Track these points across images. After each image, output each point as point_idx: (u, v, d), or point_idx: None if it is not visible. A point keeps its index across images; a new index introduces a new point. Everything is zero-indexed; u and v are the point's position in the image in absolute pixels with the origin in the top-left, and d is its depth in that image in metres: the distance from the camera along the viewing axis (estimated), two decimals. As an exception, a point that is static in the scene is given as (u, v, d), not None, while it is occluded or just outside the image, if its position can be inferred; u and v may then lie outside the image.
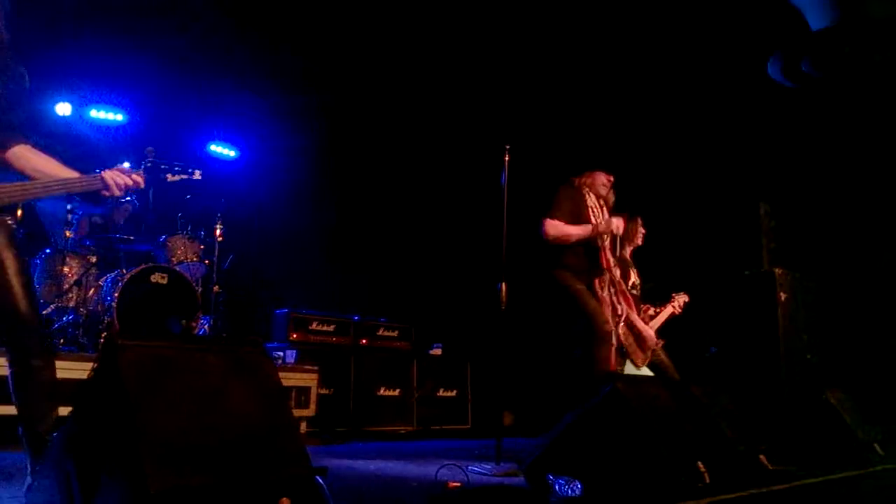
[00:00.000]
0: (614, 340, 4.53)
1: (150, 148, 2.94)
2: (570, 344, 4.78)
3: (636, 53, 7.15)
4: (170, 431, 2.09)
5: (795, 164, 7.25)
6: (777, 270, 6.45)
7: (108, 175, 2.75)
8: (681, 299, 5.36)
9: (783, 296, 6.34)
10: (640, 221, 5.39)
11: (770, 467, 3.96)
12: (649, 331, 4.90)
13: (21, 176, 2.71)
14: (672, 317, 5.31)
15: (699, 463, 3.36)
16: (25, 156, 2.75)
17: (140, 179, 2.82)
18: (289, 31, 6.89)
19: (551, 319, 6.40)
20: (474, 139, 7.16)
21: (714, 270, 6.69)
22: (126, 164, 2.91)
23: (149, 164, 2.87)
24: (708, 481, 3.31)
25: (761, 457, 3.97)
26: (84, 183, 2.76)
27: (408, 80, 7.62)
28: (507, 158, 4.78)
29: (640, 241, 5.36)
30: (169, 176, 2.92)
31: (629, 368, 4.87)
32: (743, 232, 6.73)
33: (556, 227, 4.59)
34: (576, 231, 4.60)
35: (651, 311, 5.24)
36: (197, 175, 2.99)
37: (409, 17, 6.91)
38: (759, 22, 6.45)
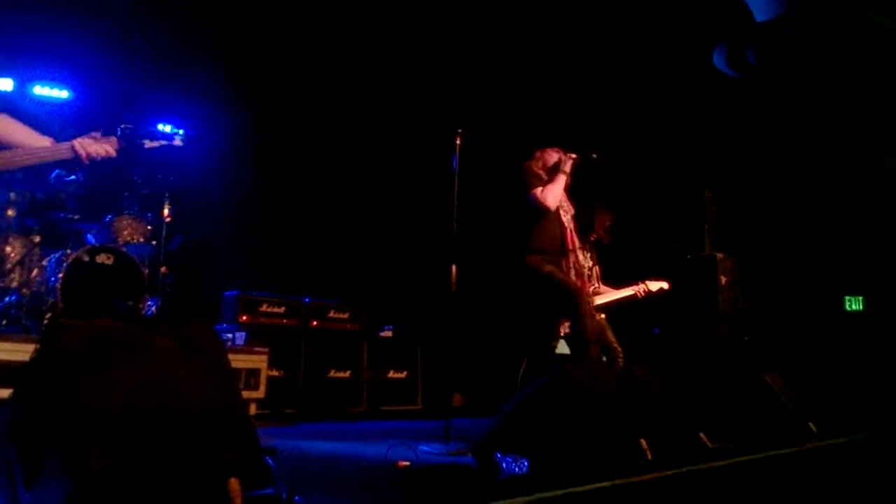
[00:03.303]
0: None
1: (127, 124, 2.83)
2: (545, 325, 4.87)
3: (584, 40, 7.21)
4: (114, 411, 2.07)
5: (736, 151, 7.42)
6: (718, 255, 6.63)
7: (79, 143, 2.67)
8: (649, 286, 5.49)
9: (723, 279, 6.52)
10: (610, 214, 5.53)
11: (709, 445, 4.07)
12: None
13: None
14: (631, 299, 5.47)
15: (642, 440, 3.45)
16: (2, 124, 2.68)
17: (111, 148, 2.72)
18: (234, 7, 6.79)
19: (508, 302, 6.48)
20: (427, 122, 7.16)
21: (658, 253, 6.83)
22: (97, 133, 2.79)
23: (127, 129, 2.76)
24: (650, 458, 3.41)
25: (701, 434, 4.09)
26: (51, 153, 2.68)
27: (360, 60, 7.58)
28: (458, 142, 4.81)
29: (603, 234, 5.49)
30: (147, 142, 2.81)
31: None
32: (686, 216, 6.89)
33: (545, 192, 4.63)
34: (559, 182, 4.67)
35: (592, 289, 5.40)
36: (178, 140, 2.87)
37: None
38: (704, 11, 6.56)
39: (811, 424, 4.86)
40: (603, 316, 5.32)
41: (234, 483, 2.15)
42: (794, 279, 7.33)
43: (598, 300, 5.37)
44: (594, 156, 4.79)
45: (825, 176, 7.32)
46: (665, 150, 7.52)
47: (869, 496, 3.34)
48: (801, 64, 6.54)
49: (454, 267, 4.69)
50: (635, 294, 5.50)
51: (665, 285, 5.58)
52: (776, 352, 6.63)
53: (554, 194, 4.65)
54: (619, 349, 5.24)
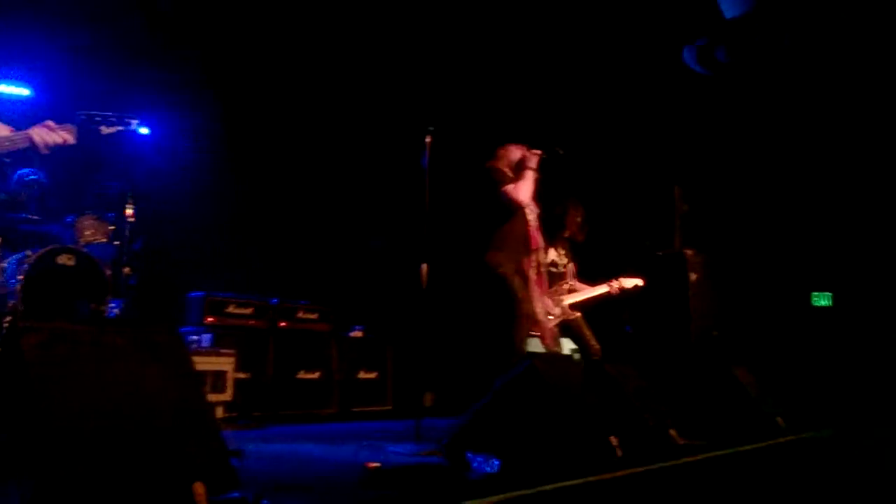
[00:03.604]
0: (541, 323, 4.69)
1: (83, 111, 2.80)
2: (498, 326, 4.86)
3: (555, 38, 7.23)
4: (76, 415, 2.04)
5: (706, 149, 7.49)
6: (688, 251, 6.69)
7: (36, 132, 2.63)
8: (623, 283, 5.54)
9: (693, 276, 6.57)
10: (581, 211, 5.55)
11: (680, 441, 4.10)
12: (551, 306, 5.17)
13: None
14: (606, 297, 5.50)
15: (612, 438, 3.46)
16: None
17: (69, 136, 2.69)
18: (198, 5, 6.70)
19: (473, 301, 6.48)
20: (397, 121, 7.13)
21: (629, 251, 6.87)
22: (51, 122, 2.76)
23: (83, 116, 2.74)
24: (620, 455, 3.41)
25: (671, 431, 4.11)
26: (10, 142, 2.63)
27: (329, 59, 7.52)
28: (429, 140, 4.79)
29: (576, 230, 5.52)
30: (104, 128, 2.79)
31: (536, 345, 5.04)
32: (657, 214, 6.95)
33: (517, 188, 4.60)
34: (529, 178, 4.64)
35: (567, 286, 5.42)
36: (135, 126, 2.85)
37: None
38: (674, 8, 6.62)
39: (779, 419, 4.92)
40: (579, 314, 5.33)
41: (199, 487, 2.12)
42: (763, 275, 7.42)
43: (573, 298, 5.38)
44: (560, 150, 4.76)
45: (794, 173, 7.42)
46: (636, 148, 7.57)
47: (836, 490, 3.38)
48: (771, 60, 6.62)
49: (425, 266, 4.67)
50: (610, 291, 5.52)
51: (640, 282, 5.61)
52: (745, 347, 6.70)
53: (525, 191, 4.62)
54: (597, 346, 5.25)
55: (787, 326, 7.15)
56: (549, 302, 5.21)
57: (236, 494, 2.25)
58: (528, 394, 3.37)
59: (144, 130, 7.10)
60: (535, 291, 4.69)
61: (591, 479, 2.95)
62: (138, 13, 6.56)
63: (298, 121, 7.80)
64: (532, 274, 4.70)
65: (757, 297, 7.29)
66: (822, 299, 7.16)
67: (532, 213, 4.77)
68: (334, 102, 7.80)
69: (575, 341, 5.39)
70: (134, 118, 2.81)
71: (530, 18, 7.06)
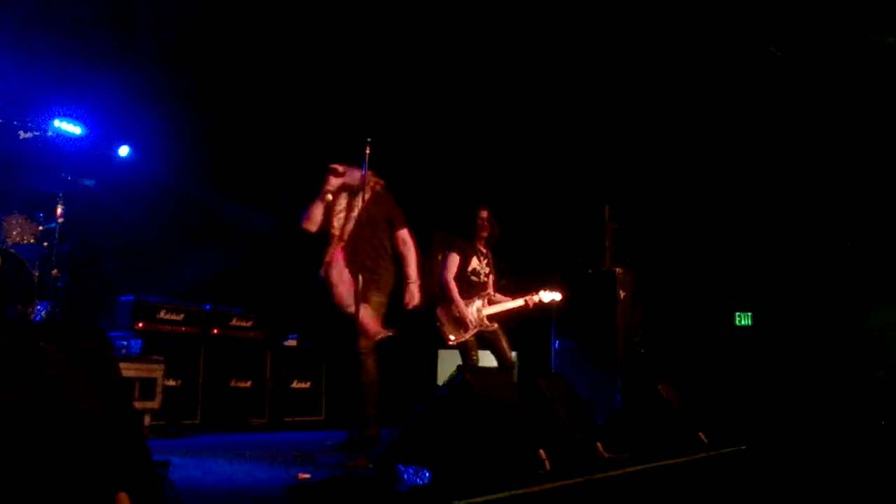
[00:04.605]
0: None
1: None
2: None
3: (489, 58, 7.32)
4: (-5, 423, 1.98)
5: (636, 170, 7.70)
6: (617, 269, 6.85)
7: None
8: (541, 297, 5.59)
9: (622, 293, 6.74)
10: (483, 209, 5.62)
11: (606, 455, 4.20)
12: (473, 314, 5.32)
13: None
14: (522, 309, 5.56)
15: (540, 451, 3.52)
16: None
17: None
18: (140, 12, 6.60)
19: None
20: (336, 130, 7.11)
21: (561, 268, 6.99)
22: None
23: None
24: (548, 468, 3.47)
25: (598, 444, 4.20)
26: None
27: (269, 66, 7.46)
28: (367, 151, 4.81)
29: (488, 228, 5.58)
30: (21, 133, 2.74)
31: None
32: (588, 232, 7.10)
33: (306, 216, 4.84)
34: (317, 203, 4.85)
35: (488, 297, 5.48)
36: (52, 132, 2.80)
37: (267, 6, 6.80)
38: (608, 30, 6.78)
39: (701, 434, 5.07)
40: (496, 325, 5.39)
41: (122, 498, 2.08)
42: (688, 295, 7.64)
43: (491, 309, 5.44)
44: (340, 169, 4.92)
45: (718, 198, 7.67)
46: (568, 168, 7.71)
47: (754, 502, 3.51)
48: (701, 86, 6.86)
49: (360, 276, 4.67)
50: (526, 304, 5.53)
51: (558, 296, 5.59)
52: (670, 364, 6.89)
53: (308, 215, 4.87)
54: (511, 361, 5.34)
55: (711, 344, 7.38)
56: (466, 311, 5.31)
57: (162, 505, 2.22)
58: (459, 407, 3.40)
59: (77, 130, 6.93)
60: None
61: (518, 491, 3.00)
62: (75, 15, 6.40)
63: (235, 126, 7.72)
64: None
65: (683, 315, 7.51)
66: (743, 318, 7.42)
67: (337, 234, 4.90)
68: (271, 106, 7.74)
69: (492, 352, 5.46)
70: (52, 121, 2.76)
71: (468, 37, 7.14)
